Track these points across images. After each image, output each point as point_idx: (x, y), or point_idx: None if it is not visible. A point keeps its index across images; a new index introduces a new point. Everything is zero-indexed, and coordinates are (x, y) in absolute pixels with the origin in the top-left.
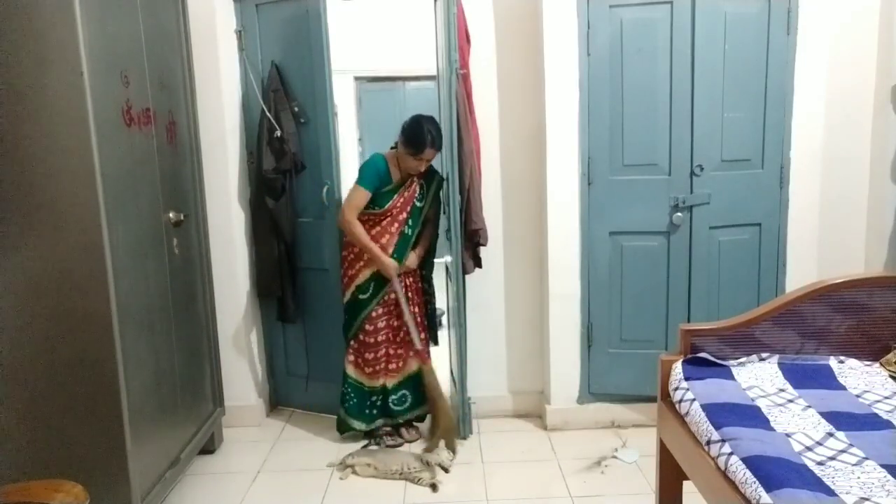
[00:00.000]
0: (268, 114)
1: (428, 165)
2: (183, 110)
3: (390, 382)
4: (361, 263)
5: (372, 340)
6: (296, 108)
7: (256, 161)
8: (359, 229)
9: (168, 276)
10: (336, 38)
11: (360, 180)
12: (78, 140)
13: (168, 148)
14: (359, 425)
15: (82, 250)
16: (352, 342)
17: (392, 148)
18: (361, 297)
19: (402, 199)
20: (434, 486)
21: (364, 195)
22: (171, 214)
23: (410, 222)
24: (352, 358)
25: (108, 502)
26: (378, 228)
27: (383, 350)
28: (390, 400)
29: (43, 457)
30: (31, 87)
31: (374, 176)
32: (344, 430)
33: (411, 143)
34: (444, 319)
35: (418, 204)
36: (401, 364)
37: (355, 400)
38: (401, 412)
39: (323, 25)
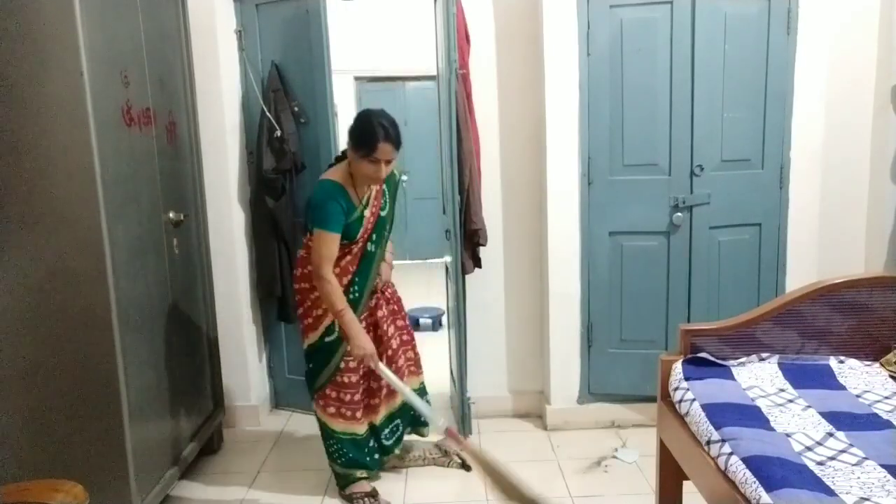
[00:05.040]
0: (268, 114)
1: (390, 168)
2: (183, 110)
3: (378, 418)
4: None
5: (349, 379)
6: (296, 108)
7: (256, 161)
8: (336, 294)
9: (168, 276)
10: (336, 38)
11: (323, 223)
12: (78, 140)
13: (168, 148)
14: (364, 473)
15: (82, 250)
16: (325, 390)
17: (335, 163)
18: (327, 339)
19: (371, 219)
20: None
21: (334, 240)
22: (171, 214)
23: (374, 237)
24: (332, 409)
25: (108, 502)
26: (349, 257)
27: (363, 386)
28: (382, 436)
29: (43, 457)
30: (31, 87)
31: (338, 211)
32: (347, 482)
33: (362, 142)
34: (444, 319)
35: (382, 213)
36: (383, 395)
37: (351, 454)
38: (393, 445)
39: (323, 25)
